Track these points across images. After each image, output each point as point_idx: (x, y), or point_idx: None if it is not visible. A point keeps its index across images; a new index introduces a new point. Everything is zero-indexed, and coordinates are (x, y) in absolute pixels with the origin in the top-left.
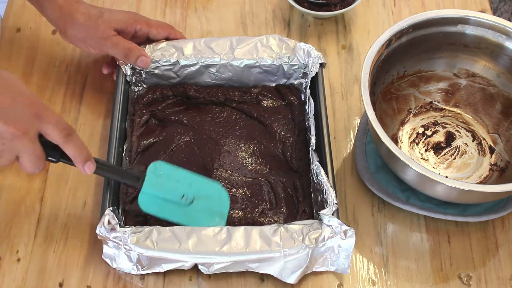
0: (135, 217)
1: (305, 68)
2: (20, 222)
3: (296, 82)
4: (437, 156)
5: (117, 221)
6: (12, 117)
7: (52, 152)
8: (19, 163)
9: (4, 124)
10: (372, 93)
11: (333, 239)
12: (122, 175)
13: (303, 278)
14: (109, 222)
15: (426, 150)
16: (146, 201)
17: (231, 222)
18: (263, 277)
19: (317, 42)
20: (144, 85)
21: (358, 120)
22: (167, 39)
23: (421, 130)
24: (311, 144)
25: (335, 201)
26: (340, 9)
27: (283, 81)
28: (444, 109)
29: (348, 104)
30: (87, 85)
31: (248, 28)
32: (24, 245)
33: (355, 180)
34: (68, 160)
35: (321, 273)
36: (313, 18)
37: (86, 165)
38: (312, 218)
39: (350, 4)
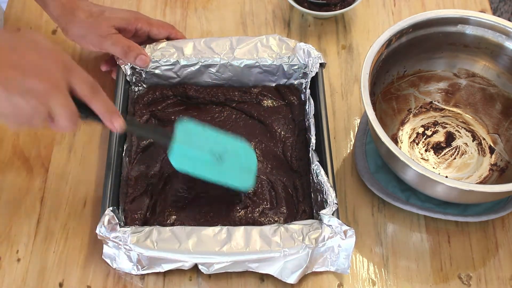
0: (135, 217)
1: (305, 68)
2: (20, 222)
3: (296, 82)
4: (437, 156)
5: (117, 221)
6: (43, 72)
7: (80, 108)
8: (54, 123)
9: (36, 79)
10: (372, 93)
11: (333, 239)
12: (151, 131)
13: (303, 278)
14: (109, 222)
15: (426, 150)
16: (177, 158)
17: (232, 221)
18: (263, 277)
19: (317, 42)
20: (144, 85)
21: (358, 120)
22: (167, 38)
23: (421, 130)
24: (311, 144)
25: (335, 201)
26: (340, 9)
27: (283, 81)
28: (444, 109)
29: (348, 104)
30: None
31: (248, 28)
32: (24, 245)
33: (355, 180)
34: (95, 117)
35: (321, 273)
36: (313, 18)
37: (114, 120)
38: (312, 218)
39: (350, 4)
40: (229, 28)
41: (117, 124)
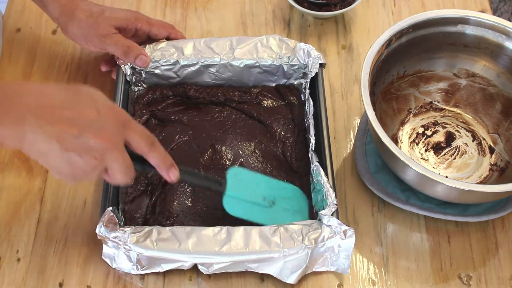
0: (135, 217)
1: (305, 68)
2: (20, 222)
3: (296, 82)
4: (437, 156)
5: (117, 221)
6: (101, 129)
7: (135, 161)
8: (109, 175)
9: (95, 137)
10: (372, 93)
11: (332, 239)
12: (205, 180)
13: (303, 278)
14: (109, 222)
15: (426, 150)
16: (231, 204)
17: (231, 221)
18: (263, 277)
19: (317, 42)
20: (144, 85)
21: (358, 120)
22: (167, 38)
23: (421, 130)
24: (311, 145)
25: (335, 202)
26: (340, 9)
27: (283, 81)
28: (444, 109)
29: (348, 104)
30: (87, 85)
31: (248, 28)
32: (24, 245)
33: (355, 180)
34: (151, 167)
35: (321, 273)
36: (313, 18)
37: (171, 172)
38: (312, 218)
39: (350, 4)
40: (229, 28)
41: (173, 176)
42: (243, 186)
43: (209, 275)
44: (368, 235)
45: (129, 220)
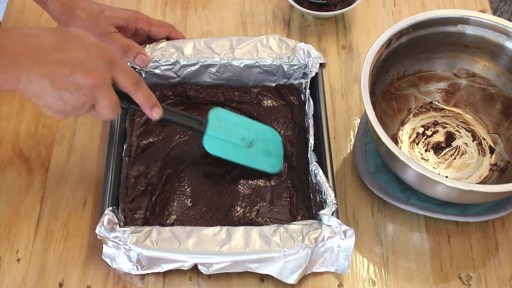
0: (134, 217)
1: (305, 68)
2: (20, 222)
3: (296, 82)
4: (437, 156)
5: (117, 221)
6: (90, 68)
7: (122, 99)
8: (97, 111)
9: (84, 75)
10: (372, 93)
11: (332, 239)
12: (186, 119)
13: (303, 278)
14: (108, 222)
15: (426, 150)
16: (210, 144)
17: (231, 221)
18: (263, 277)
19: (317, 42)
20: None
21: (358, 120)
22: (167, 38)
23: (421, 130)
24: (310, 145)
25: (335, 201)
26: (340, 9)
27: (283, 81)
28: (444, 109)
29: (348, 104)
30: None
31: (248, 28)
32: (24, 245)
33: (355, 180)
34: (136, 106)
35: (321, 273)
36: (313, 18)
37: (154, 110)
38: (312, 218)
39: (350, 4)
40: (229, 28)
41: (156, 114)
42: (224, 126)
43: (209, 276)
44: (368, 235)
45: (129, 220)
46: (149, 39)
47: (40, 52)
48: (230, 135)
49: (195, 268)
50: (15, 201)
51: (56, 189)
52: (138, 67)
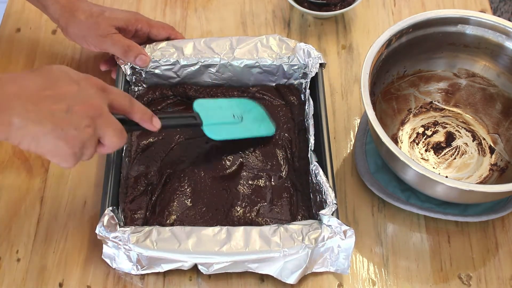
0: (134, 217)
1: (305, 68)
2: (20, 222)
3: (296, 82)
4: (437, 156)
5: (117, 221)
6: (86, 99)
7: (122, 123)
8: (105, 144)
9: (83, 107)
10: (372, 93)
11: (332, 239)
12: (182, 119)
13: (303, 278)
14: (108, 222)
15: (426, 150)
16: (212, 131)
17: (231, 221)
18: (263, 277)
19: (317, 42)
20: (144, 85)
21: (358, 120)
22: (167, 39)
23: (421, 130)
24: (310, 145)
25: (335, 201)
26: (340, 9)
27: (283, 81)
28: (444, 109)
29: (348, 104)
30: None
31: (248, 28)
32: (24, 245)
33: (355, 180)
34: (135, 126)
35: (321, 273)
36: (313, 18)
37: (153, 122)
38: (312, 218)
39: (350, 4)
40: (229, 28)
41: (157, 124)
42: (212, 112)
43: (209, 276)
44: (368, 235)
45: (129, 220)
46: (149, 40)
47: (29, 92)
48: (223, 118)
49: (195, 268)
50: (15, 201)
51: (56, 189)
52: (138, 67)
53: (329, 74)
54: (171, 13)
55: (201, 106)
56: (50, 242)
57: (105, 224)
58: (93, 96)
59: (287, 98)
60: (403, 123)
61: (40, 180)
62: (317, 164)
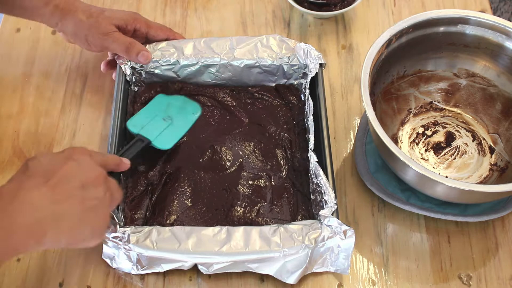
0: (134, 217)
1: (305, 68)
2: None
3: (296, 82)
4: (437, 156)
5: (117, 221)
6: (90, 170)
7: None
8: (115, 202)
9: (94, 177)
10: (372, 93)
11: (332, 239)
12: (135, 148)
13: (303, 278)
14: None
15: (426, 150)
16: (161, 143)
17: (231, 220)
18: (263, 277)
19: (317, 42)
20: (144, 84)
21: (358, 120)
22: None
23: (421, 130)
24: (310, 145)
25: (335, 201)
26: (340, 9)
27: (283, 81)
28: (444, 109)
29: (348, 104)
30: (87, 85)
31: (248, 28)
32: None
33: (355, 180)
34: (115, 174)
35: (321, 273)
36: (313, 18)
37: (124, 162)
38: (312, 218)
39: (350, 4)
40: (229, 28)
41: (127, 163)
42: (147, 126)
43: (209, 275)
44: (368, 235)
45: (129, 220)
46: (148, 41)
47: (41, 202)
48: (158, 126)
49: (195, 268)
50: None
51: None
52: (138, 67)
53: (329, 74)
54: (171, 13)
55: (134, 126)
56: None
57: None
58: (90, 163)
59: (287, 98)
60: (403, 123)
61: None
62: (317, 164)
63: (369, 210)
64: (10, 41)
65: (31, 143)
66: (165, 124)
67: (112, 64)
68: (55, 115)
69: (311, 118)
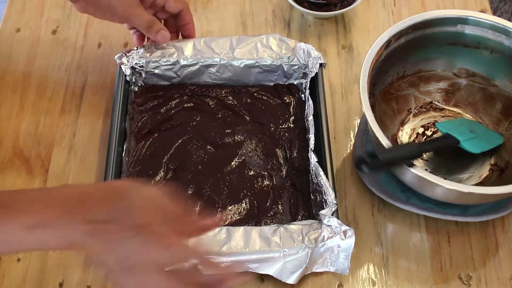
0: None
1: (305, 68)
2: None
3: (296, 82)
4: (437, 156)
5: None
6: (151, 209)
7: None
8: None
9: (141, 214)
10: (372, 94)
11: (332, 239)
12: (437, 144)
13: (303, 278)
14: None
15: None
16: (470, 146)
17: (231, 220)
18: (263, 277)
19: (317, 42)
20: (144, 84)
21: (358, 120)
22: (177, 18)
23: (421, 130)
24: (310, 145)
25: (334, 202)
26: (340, 9)
27: (283, 80)
28: (444, 109)
29: (348, 104)
30: (87, 85)
31: (248, 28)
32: None
33: (355, 180)
34: None
35: (321, 273)
36: (313, 18)
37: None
38: (312, 218)
39: (350, 4)
40: (229, 28)
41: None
42: (458, 130)
43: None
44: (368, 235)
45: None
46: (163, 12)
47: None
48: (467, 134)
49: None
50: None
51: None
52: (138, 67)
53: (329, 74)
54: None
55: (445, 127)
56: None
57: None
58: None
59: (287, 98)
60: (403, 123)
61: (40, 180)
62: (317, 164)
63: (369, 210)
64: (10, 41)
65: (31, 143)
66: (472, 135)
67: (142, 36)
68: (55, 115)
69: (311, 118)
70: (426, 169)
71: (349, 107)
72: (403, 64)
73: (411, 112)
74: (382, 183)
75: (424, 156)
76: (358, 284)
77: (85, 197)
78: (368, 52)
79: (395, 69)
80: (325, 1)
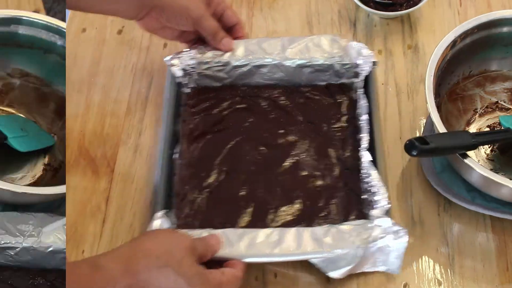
0: (187, 219)
1: (357, 67)
2: (86, 222)
3: (347, 81)
4: (503, 156)
5: (170, 224)
6: (175, 250)
7: None
8: None
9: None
10: (438, 94)
11: (383, 239)
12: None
13: (365, 276)
14: (160, 225)
15: (492, 151)
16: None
17: (284, 221)
18: (276, 273)
19: (383, 42)
20: (195, 85)
21: (424, 120)
22: (232, 28)
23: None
24: (363, 144)
25: (387, 201)
26: (406, 9)
27: (334, 80)
28: (510, 108)
29: (414, 104)
30: (152, 85)
31: (314, 28)
32: (90, 245)
33: (421, 180)
34: None
35: (384, 273)
36: (379, 18)
37: None
38: (364, 218)
39: (416, 4)
40: (294, 28)
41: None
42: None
43: None
44: (433, 235)
45: (181, 222)
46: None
47: None
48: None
49: None
50: (81, 201)
51: (121, 189)
52: (189, 68)
53: (395, 74)
54: (237, 13)
55: (508, 122)
56: (116, 242)
57: (157, 227)
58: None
59: (339, 98)
60: (468, 123)
61: (106, 180)
62: (370, 164)
63: (435, 210)
64: (76, 41)
65: (97, 143)
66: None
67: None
68: (121, 115)
69: (363, 117)
70: (491, 169)
71: (415, 107)
72: (468, 64)
73: (477, 112)
74: (448, 183)
75: (487, 152)
76: (424, 284)
77: None
78: (434, 52)
79: (461, 69)
80: (391, 1)
